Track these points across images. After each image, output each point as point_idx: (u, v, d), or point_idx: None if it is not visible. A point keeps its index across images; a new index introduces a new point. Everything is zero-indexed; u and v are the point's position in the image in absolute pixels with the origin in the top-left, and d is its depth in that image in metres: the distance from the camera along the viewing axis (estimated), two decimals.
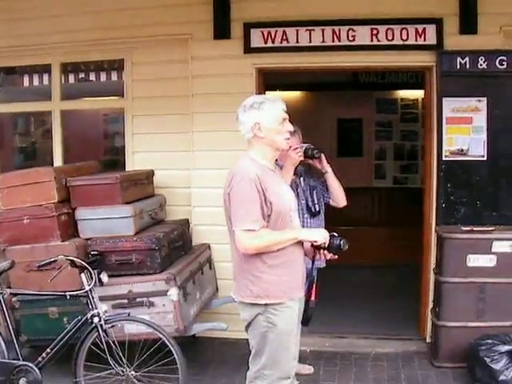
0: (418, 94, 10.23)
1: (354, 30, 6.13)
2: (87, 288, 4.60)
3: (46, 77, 7.35)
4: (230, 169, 3.76)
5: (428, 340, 6.20)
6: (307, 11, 6.20)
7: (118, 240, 5.32)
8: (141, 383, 4.68)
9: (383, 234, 9.86)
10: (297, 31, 6.22)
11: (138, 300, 5.16)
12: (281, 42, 6.26)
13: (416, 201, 6.88)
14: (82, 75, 7.70)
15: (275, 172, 3.89)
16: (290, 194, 3.91)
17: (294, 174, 4.84)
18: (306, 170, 5.25)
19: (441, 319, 5.67)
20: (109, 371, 4.60)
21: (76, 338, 4.68)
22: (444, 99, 6.01)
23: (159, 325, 4.76)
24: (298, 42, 6.24)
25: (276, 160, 3.99)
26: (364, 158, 10.96)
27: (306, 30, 6.20)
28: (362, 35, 6.13)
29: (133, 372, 4.61)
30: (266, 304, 3.66)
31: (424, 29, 6.03)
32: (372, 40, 6.13)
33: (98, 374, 4.67)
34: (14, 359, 4.68)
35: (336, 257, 3.86)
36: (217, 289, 6.40)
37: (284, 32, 6.23)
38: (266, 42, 6.28)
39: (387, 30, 6.09)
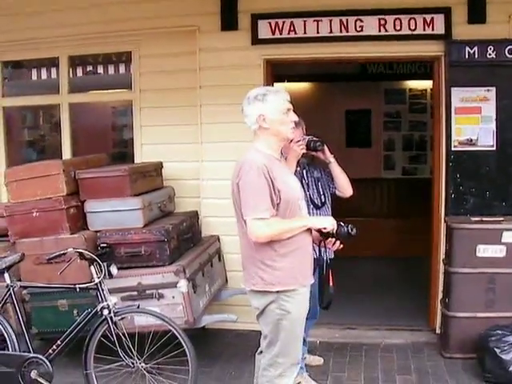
0: (426, 84, 10.18)
1: (361, 21, 6.11)
2: (97, 280, 4.60)
3: (53, 70, 7.34)
4: (237, 160, 3.77)
5: (437, 331, 6.20)
6: (315, 2, 6.18)
7: (127, 232, 5.34)
8: (151, 375, 4.69)
9: (392, 225, 9.85)
10: (304, 22, 6.20)
11: (147, 292, 5.18)
12: (288, 33, 6.25)
13: (425, 191, 6.86)
14: (89, 68, 7.71)
15: (281, 162, 3.92)
16: (296, 183, 3.93)
17: (297, 166, 4.83)
18: (310, 161, 5.23)
19: (450, 310, 5.66)
20: (119, 363, 4.60)
21: (86, 330, 4.68)
22: (452, 89, 5.98)
23: (169, 317, 4.76)
24: (305, 32, 6.22)
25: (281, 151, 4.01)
26: (373, 149, 10.93)
27: (314, 20, 6.18)
28: (370, 25, 6.11)
29: (143, 364, 4.61)
30: (277, 291, 3.67)
31: (432, 18, 6.00)
32: (380, 30, 6.10)
33: (108, 366, 4.68)
34: (24, 352, 4.69)
35: (342, 246, 3.87)
36: (226, 280, 6.41)
37: (292, 23, 6.21)
38: (273, 33, 6.27)
39: (395, 20, 6.06)
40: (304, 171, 5.12)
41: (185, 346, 4.54)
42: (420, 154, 10.83)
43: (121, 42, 6.68)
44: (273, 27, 6.26)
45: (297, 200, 3.78)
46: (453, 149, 6.03)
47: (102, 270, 4.63)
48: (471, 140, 5.99)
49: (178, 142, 6.55)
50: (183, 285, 5.13)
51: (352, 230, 3.79)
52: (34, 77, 7.83)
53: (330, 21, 6.15)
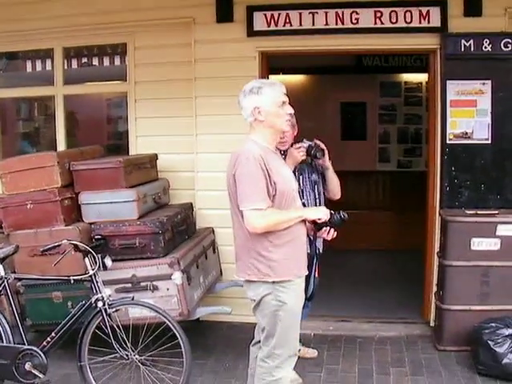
0: (421, 77, 10.16)
1: (357, 13, 6.10)
2: (91, 272, 4.60)
3: (48, 62, 7.32)
4: (233, 151, 3.78)
5: (432, 323, 6.21)
6: None
7: (122, 224, 5.33)
8: (145, 367, 4.70)
9: (387, 218, 9.85)
10: (300, 14, 6.19)
11: (141, 284, 5.18)
12: (284, 25, 6.23)
13: (420, 184, 6.86)
14: (84, 60, 7.69)
15: (276, 154, 3.95)
16: (291, 175, 3.97)
17: (294, 171, 4.81)
18: (308, 164, 5.20)
19: (445, 303, 5.68)
20: (113, 355, 4.61)
21: (80, 322, 4.69)
22: (448, 82, 5.98)
23: (163, 309, 4.77)
24: (301, 25, 6.20)
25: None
26: (368, 142, 10.91)
27: (310, 12, 6.17)
28: (366, 18, 6.09)
29: (137, 356, 4.62)
30: (273, 282, 3.69)
31: (428, 11, 5.99)
32: (376, 23, 6.09)
33: (102, 358, 4.68)
34: (19, 343, 4.69)
35: (335, 234, 3.91)
36: (221, 273, 6.42)
37: (287, 15, 6.19)
38: (269, 25, 6.25)
39: (391, 12, 6.05)
40: (301, 177, 5.11)
41: (179, 338, 4.55)
42: (415, 146, 10.82)
43: (116, 33, 6.66)
44: (268, 19, 6.24)
45: (292, 191, 3.80)
46: (448, 142, 6.03)
47: (96, 262, 4.64)
48: (466, 133, 5.99)
49: (172, 134, 6.54)
50: (178, 277, 5.13)
51: (344, 216, 3.83)
52: (29, 68, 7.81)
53: (326, 13, 6.14)
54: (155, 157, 6.32)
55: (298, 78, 10.58)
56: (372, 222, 9.59)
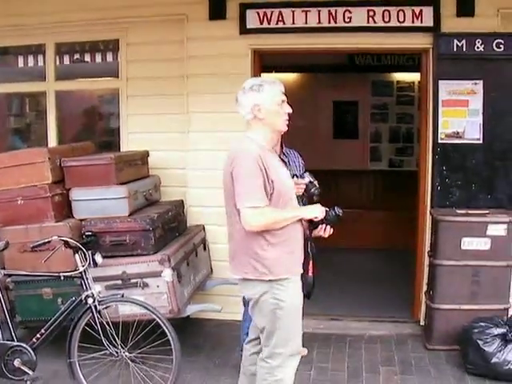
0: (413, 76, 10.18)
1: (350, 12, 6.10)
2: (81, 269, 4.59)
3: (40, 57, 7.30)
4: (227, 149, 3.81)
5: (422, 323, 6.24)
6: None
7: (113, 221, 5.32)
8: (135, 364, 4.69)
9: (378, 217, 9.86)
10: (293, 12, 6.19)
11: (132, 281, 5.16)
12: (277, 23, 6.23)
13: (411, 184, 6.87)
14: (76, 56, 7.67)
15: (273, 153, 3.92)
16: (287, 174, 3.94)
17: None
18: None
19: (435, 302, 5.69)
20: (103, 352, 4.59)
21: (70, 319, 4.68)
22: (440, 82, 6.00)
23: (153, 306, 4.76)
24: (294, 23, 6.20)
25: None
26: (359, 141, 10.94)
27: (302, 11, 6.17)
28: (359, 17, 6.10)
29: (127, 353, 4.61)
30: (270, 280, 3.68)
31: (421, 11, 6.00)
32: (368, 22, 6.10)
33: (92, 355, 4.66)
34: (8, 340, 4.68)
35: (332, 231, 3.91)
36: (211, 270, 6.41)
37: (280, 13, 6.19)
38: (261, 23, 6.25)
39: (384, 11, 6.05)
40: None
41: (169, 336, 4.55)
42: (407, 146, 10.85)
43: (108, 29, 6.64)
44: (261, 17, 6.24)
45: (288, 191, 3.80)
46: (439, 141, 6.04)
47: (86, 259, 4.62)
48: (458, 133, 6.01)
49: (164, 131, 6.53)
50: (168, 274, 5.12)
51: (339, 212, 3.86)
52: (21, 64, 7.79)
53: (319, 11, 6.14)
54: (146, 154, 6.30)
55: (290, 77, 10.58)
56: (363, 220, 9.60)
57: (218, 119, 6.21)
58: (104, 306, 4.62)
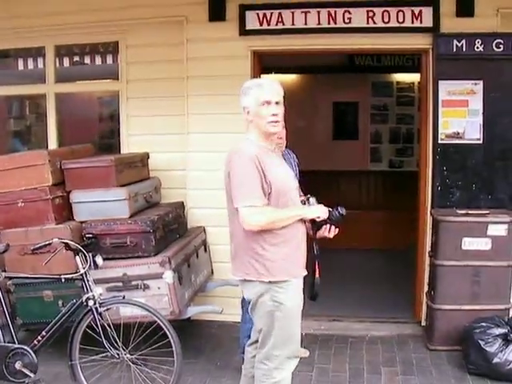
0: (413, 77, 10.18)
1: (349, 12, 6.10)
2: (82, 271, 4.58)
3: (40, 60, 7.30)
4: (227, 151, 3.80)
5: (423, 323, 6.23)
6: None
7: (113, 223, 5.31)
8: (136, 366, 4.68)
9: (379, 218, 9.85)
10: (292, 13, 6.19)
11: (132, 283, 5.16)
12: (276, 24, 6.23)
13: (412, 184, 6.87)
14: (76, 58, 7.67)
15: (274, 153, 3.90)
16: (289, 174, 3.91)
17: None
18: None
19: (436, 302, 5.69)
20: (104, 354, 4.58)
21: (71, 321, 4.67)
22: (440, 82, 6.00)
23: (154, 308, 4.76)
24: (293, 24, 6.20)
25: None
26: (360, 142, 10.94)
27: (302, 12, 6.17)
28: (358, 17, 6.10)
29: (128, 355, 4.60)
30: (270, 282, 3.68)
31: (420, 11, 6.01)
32: (368, 22, 6.10)
33: (93, 357, 4.66)
34: (9, 342, 4.67)
35: (337, 231, 3.87)
36: (212, 272, 6.41)
37: (279, 14, 6.19)
38: (261, 24, 6.25)
39: (383, 12, 6.06)
40: None
41: (170, 337, 4.54)
42: (407, 146, 10.86)
43: (108, 31, 6.64)
44: (261, 18, 6.24)
45: (288, 191, 3.77)
46: (439, 142, 6.05)
47: (87, 261, 4.62)
48: (458, 133, 6.01)
49: (164, 133, 6.52)
50: (169, 276, 5.12)
51: (342, 210, 3.81)
52: (21, 66, 7.78)
53: (318, 12, 6.14)
54: (147, 155, 6.30)
55: (290, 78, 10.59)
56: (364, 221, 9.58)
57: (218, 121, 6.21)
58: (105, 308, 4.61)
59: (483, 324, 5.20)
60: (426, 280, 6.11)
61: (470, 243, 5.54)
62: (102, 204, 5.42)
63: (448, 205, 6.01)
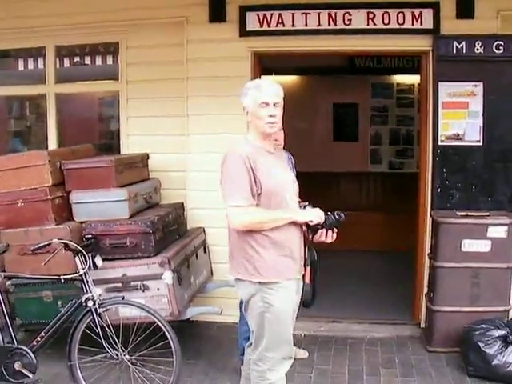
0: (413, 78, 10.19)
1: (350, 14, 6.10)
2: (81, 271, 4.59)
3: (40, 60, 7.30)
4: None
5: (422, 325, 6.23)
6: None
7: (113, 223, 5.32)
8: (135, 367, 4.68)
9: (378, 219, 9.84)
10: (292, 14, 6.19)
11: (132, 284, 5.16)
12: (276, 26, 6.23)
13: (412, 186, 6.87)
14: (77, 59, 7.66)
15: (273, 154, 3.88)
16: (286, 176, 3.90)
17: None
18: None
19: (435, 304, 5.68)
20: (103, 355, 4.59)
21: (70, 321, 4.67)
22: (440, 84, 6.00)
23: (154, 308, 4.76)
24: (293, 25, 6.20)
25: None
26: (360, 143, 10.93)
27: (302, 13, 6.17)
28: (358, 19, 6.10)
29: (127, 356, 4.60)
30: (259, 283, 3.68)
31: (420, 13, 6.01)
32: (368, 24, 6.10)
33: (92, 358, 4.66)
34: (8, 343, 4.67)
35: (335, 236, 3.84)
36: (211, 273, 6.41)
37: (280, 15, 6.19)
38: (261, 26, 6.25)
39: (383, 13, 6.06)
40: None
41: (169, 338, 4.54)
42: (407, 148, 10.85)
43: (108, 32, 6.64)
44: (261, 19, 6.24)
45: (281, 192, 3.75)
46: (439, 143, 6.04)
47: (86, 261, 4.63)
48: (458, 135, 6.01)
49: (164, 134, 6.52)
50: (168, 276, 5.12)
51: (340, 216, 3.78)
52: (21, 66, 7.78)
53: (319, 14, 6.14)
54: (147, 156, 6.30)
55: (290, 79, 10.58)
56: (363, 223, 9.58)
57: (218, 121, 6.21)
58: (104, 309, 4.61)
59: (483, 326, 5.20)
60: (426, 282, 6.10)
61: (469, 245, 5.54)
62: (102, 204, 5.42)
63: (448, 206, 6.01)
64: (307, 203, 4.49)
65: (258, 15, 6.24)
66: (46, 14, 6.54)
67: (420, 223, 6.35)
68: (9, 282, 5.20)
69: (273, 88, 3.79)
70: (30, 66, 7.62)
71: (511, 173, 6.00)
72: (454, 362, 5.44)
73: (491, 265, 5.52)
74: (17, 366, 4.58)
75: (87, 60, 7.67)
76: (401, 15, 6.03)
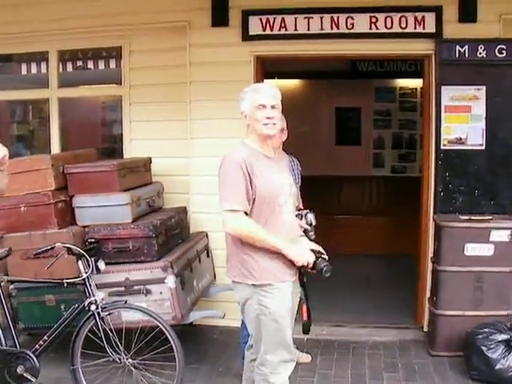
0: (416, 82, 10.18)
1: (352, 18, 6.11)
2: (84, 276, 4.59)
3: (43, 65, 7.31)
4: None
5: (425, 329, 6.22)
6: None
7: (116, 227, 5.32)
8: (138, 371, 4.68)
9: (381, 223, 9.85)
10: (295, 19, 6.20)
11: (135, 288, 5.16)
12: (279, 30, 6.24)
13: (414, 190, 6.86)
14: (79, 63, 7.67)
15: (271, 159, 3.89)
16: (282, 181, 3.88)
17: None
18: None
19: (438, 308, 5.68)
20: (106, 359, 4.59)
21: (73, 325, 4.67)
22: (443, 88, 6.00)
23: (156, 312, 4.76)
24: (296, 29, 6.21)
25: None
26: (362, 147, 10.92)
27: (305, 17, 6.18)
28: (361, 23, 6.11)
29: (130, 360, 4.60)
30: (253, 285, 3.71)
31: (423, 17, 6.02)
32: (371, 28, 6.11)
33: (95, 362, 4.66)
34: (11, 347, 4.66)
35: (314, 271, 3.84)
36: (214, 277, 6.40)
37: (282, 19, 6.20)
38: (264, 30, 6.26)
39: (386, 17, 6.06)
40: None
41: (172, 342, 4.54)
42: (409, 152, 10.85)
43: (111, 36, 6.65)
44: (263, 24, 6.25)
45: (276, 197, 3.76)
46: (442, 147, 6.04)
47: (89, 266, 4.63)
48: (460, 139, 6.01)
49: (167, 138, 6.53)
50: (171, 280, 5.12)
51: (325, 274, 3.77)
52: (24, 71, 7.79)
53: (321, 18, 6.15)
54: (149, 160, 6.31)
55: (293, 83, 10.59)
56: (366, 226, 9.60)
57: (221, 125, 6.21)
58: (107, 313, 4.62)
59: (486, 330, 5.19)
60: (429, 286, 6.09)
61: (472, 249, 5.53)
62: (105, 209, 5.42)
63: (450, 210, 6.01)
64: (308, 211, 4.50)
65: (260, 19, 6.24)
66: (49, 19, 6.55)
67: (423, 227, 6.34)
68: (12, 286, 5.21)
69: (270, 90, 3.82)
70: (33, 70, 7.64)
71: None
72: (456, 366, 5.43)
73: (494, 269, 5.51)
74: (19, 369, 4.57)
75: (90, 64, 7.67)
76: (403, 19, 6.04)
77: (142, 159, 6.21)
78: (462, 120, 6.00)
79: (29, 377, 4.57)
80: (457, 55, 5.91)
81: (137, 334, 4.72)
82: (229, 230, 3.73)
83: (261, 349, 3.81)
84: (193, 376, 5.29)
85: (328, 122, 10.88)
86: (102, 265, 4.76)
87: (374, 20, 6.09)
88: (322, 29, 6.17)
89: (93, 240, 5.18)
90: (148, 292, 5.14)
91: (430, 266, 6.06)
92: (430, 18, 6.01)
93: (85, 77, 7.76)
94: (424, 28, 6.03)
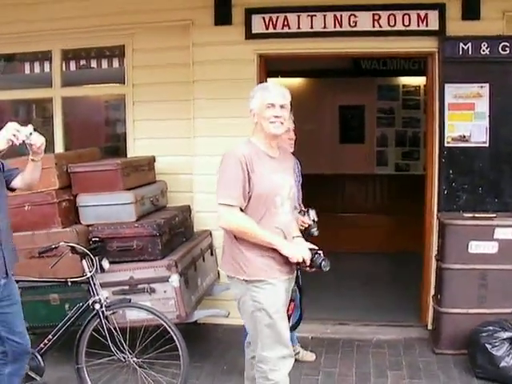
0: (419, 80, 10.17)
1: (355, 16, 6.11)
2: (88, 274, 4.60)
3: (47, 64, 7.31)
4: None
5: (429, 327, 6.21)
6: None
7: (120, 226, 5.32)
8: (142, 369, 4.69)
9: (385, 221, 9.84)
10: (298, 17, 6.19)
11: (139, 286, 5.16)
12: (282, 28, 6.24)
13: (418, 188, 6.86)
14: (83, 62, 7.67)
15: (275, 159, 3.89)
16: (282, 181, 3.86)
17: None
18: None
19: (442, 306, 5.67)
20: (110, 358, 4.60)
21: (77, 324, 4.69)
22: (446, 85, 5.99)
23: (160, 311, 4.77)
24: (299, 27, 6.21)
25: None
26: (366, 145, 10.91)
27: (308, 15, 6.18)
28: (364, 21, 6.10)
29: (134, 358, 4.61)
30: (246, 281, 3.74)
31: (426, 14, 6.00)
32: (374, 26, 6.10)
33: (99, 361, 4.68)
34: None
35: (313, 269, 3.86)
36: (218, 275, 6.40)
37: (285, 18, 6.20)
38: (267, 28, 6.26)
39: (389, 15, 6.05)
40: None
41: (176, 341, 4.55)
42: (413, 150, 10.82)
43: (114, 35, 6.65)
44: (267, 22, 6.24)
45: (273, 196, 3.77)
46: (446, 145, 6.04)
47: (93, 264, 4.63)
48: (464, 136, 6.00)
49: (170, 137, 6.54)
50: (175, 279, 5.12)
51: (325, 268, 3.80)
52: (27, 70, 7.79)
53: (324, 16, 6.14)
54: (153, 159, 6.31)
55: (296, 81, 10.57)
56: (370, 225, 9.60)
57: (225, 124, 6.21)
58: (111, 312, 4.63)
59: (490, 328, 5.18)
60: (433, 283, 6.09)
61: (476, 247, 5.52)
62: (109, 207, 5.43)
63: (454, 208, 6.00)
64: (309, 208, 4.50)
65: (263, 18, 6.24)
66: (52, 18, 6.55)
67: (427, 225, 6.34)
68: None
69: (280, 90, 3.84)
70: (37, 69, 7.63)
71: None
72: (461, 364, 5.42)
73: (498, 266, 5.51)
74: None
75: (93, 63, 7.67)
76: (406, 17, 6.03)
77: (145, 158, 6.22)
78: (466, 117, 5.99)
79: (33, 376, 4.60)
80: (460, 53, 5.90)
81: (141, 333, 4.73)
82: (222, 224, 3.76)
83: (258, 346, 3.82)
84: (197, 374, 5.30)
85: (332, 120, 10.86)
86: (106, 264, 4.76)
87: (377, 18, 6.08)
88: (325, 27, 6.16)
89: (97, 239, 5.18)
90: (152, 291, 5.14)
91: (434, 263, 6.06)
92: (433, 15, 5.99)
93: (88, 76, 7.76)
94: (427, 26, 6.02)
